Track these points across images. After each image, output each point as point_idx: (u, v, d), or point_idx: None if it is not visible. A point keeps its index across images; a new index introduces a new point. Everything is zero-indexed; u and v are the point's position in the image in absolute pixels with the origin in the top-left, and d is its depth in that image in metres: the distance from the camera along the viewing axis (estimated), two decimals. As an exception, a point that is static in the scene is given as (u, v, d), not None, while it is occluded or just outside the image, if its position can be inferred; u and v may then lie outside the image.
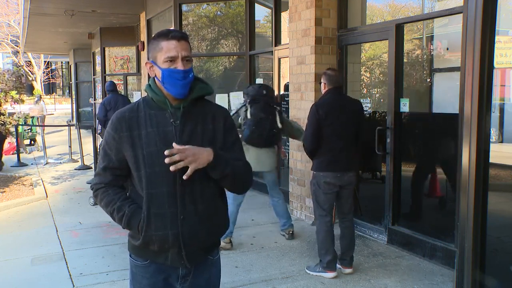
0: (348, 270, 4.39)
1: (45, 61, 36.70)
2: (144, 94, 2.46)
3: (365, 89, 6.20)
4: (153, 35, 2.31)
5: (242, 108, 5.20)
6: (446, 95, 5.05)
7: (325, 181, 4.24)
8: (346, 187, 4.32)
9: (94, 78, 17.24)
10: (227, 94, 8.23)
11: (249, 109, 5.07)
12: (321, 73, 4.46)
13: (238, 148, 2.18)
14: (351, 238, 4.41)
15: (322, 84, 4.37)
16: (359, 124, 4.37)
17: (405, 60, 5.21)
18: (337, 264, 4.38)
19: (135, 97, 13.26)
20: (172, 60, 1.99)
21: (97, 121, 10.13)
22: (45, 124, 14.86)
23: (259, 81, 7.89)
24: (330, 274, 4.29)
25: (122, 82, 14.58)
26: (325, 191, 4.26)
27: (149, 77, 2.15)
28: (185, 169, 1.96)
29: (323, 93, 4.38)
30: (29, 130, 13.30)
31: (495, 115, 3.91)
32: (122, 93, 13.28)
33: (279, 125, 5.15)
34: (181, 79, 1.99)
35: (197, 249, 2.09)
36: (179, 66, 1.99)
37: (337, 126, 4.20)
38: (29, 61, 34.23)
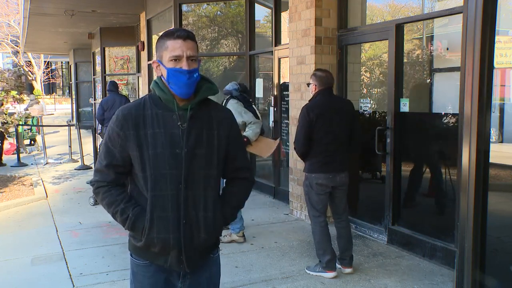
0: (348, 270, 4.39)
1: (45, 61, 36.68)
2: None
3: (365, 89, 6.19)
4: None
5: (240, 107, 5.26)
6: (446, 95, 5.05)
7: (317, 183, 4.24)
8: (339, 188, 4.32)
9: (94, 78, 17.24)
10: (227, 94, 8.22)
11: (248, 108, 5.30)
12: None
13: (242, 156, 2.23)
14: (348, 238, 4.40)
15: (312, 86, 4.32)
16: (352, 124, 4.36)
17: (405, 60, 5.21)
18: (337, 264, 4.38)
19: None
20: (177, 59, 1.98)
21: (97, 121, 10.13)
22: (45, 124, 14.85)
23: (259, 81, 7.89)
24: (330, 274, 4.28)
25: (124, 82, 14.59)
26: (318, 192, 4.27)
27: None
28: (188, 170, 1.99)
29: (312, 94, 4.35)
30: (29, 130, 13.30)
31: (495, 115, 3.91)
32: (123, 94, 13.28)
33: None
34: (186, 79, 1.98)
35: (197, 253, 2.09)
36: (184, 65, 1.98)
37: (329, 127, 4.18)
38: (29, 61, 34.21)
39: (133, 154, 2.01)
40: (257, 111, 5.44)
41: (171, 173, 1.98)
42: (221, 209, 2.12)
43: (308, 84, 4.41)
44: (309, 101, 4.36)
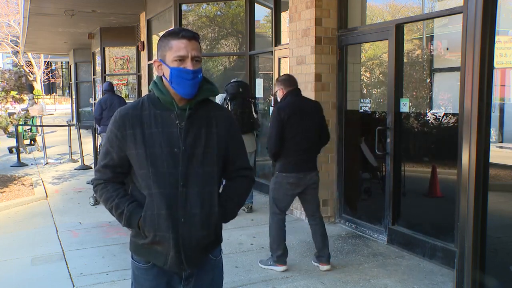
0: (326, 267, 4.44)
1: (45, 61, 36.65)
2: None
3: (365, 89, 6.19)
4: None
5: (224, 103, 6.16)
6: (446, 95, 5.05)
7: (288, 182, 4.32)
8: (311, 186, 4.41)
9: (94, 78, 17.24)
10: (227, 94, 8.22)
11: (229, 105, 6.11)
12: (320, 73, 4.47)
13: (243, 155, 2.23)
14: (323, 234, 4.45)
15: (279, 91, 4.42)
16: (321, 123, 4.46)
17: (405, 60, 5.21)
18: (314, 262, 4.50)
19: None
20: (182, 59, 1.97)
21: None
22: (45, 124, 14.85)
23: (259, 81, 7.89)
24: (281, 268, 4.43)
25: (124, 82, 14.60)
26: (287, 192, 4.37)
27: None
28: (187, 169, 1.99)
29: (279, 98, 4.43)
30: (29, 130, 13.30)
31: (495, 115, 3.91)
32: (122, 94, 13.32)
33: (255, 115, 6.37)
34: (190, 79, 1.97)
35: (197, 252, 2.07)
36: (189, 66, 1.97)
37: (299, 127, 4.27)
38: (29, 61, 34.17)
39: (131, 153, 2.02)
40: (253, 106, 6.33)
41: (170, 171, 1.98)
42: (222, 205, 2.11)
43: (276, 93, 4.51)
44: (279, 102, 4.45)
